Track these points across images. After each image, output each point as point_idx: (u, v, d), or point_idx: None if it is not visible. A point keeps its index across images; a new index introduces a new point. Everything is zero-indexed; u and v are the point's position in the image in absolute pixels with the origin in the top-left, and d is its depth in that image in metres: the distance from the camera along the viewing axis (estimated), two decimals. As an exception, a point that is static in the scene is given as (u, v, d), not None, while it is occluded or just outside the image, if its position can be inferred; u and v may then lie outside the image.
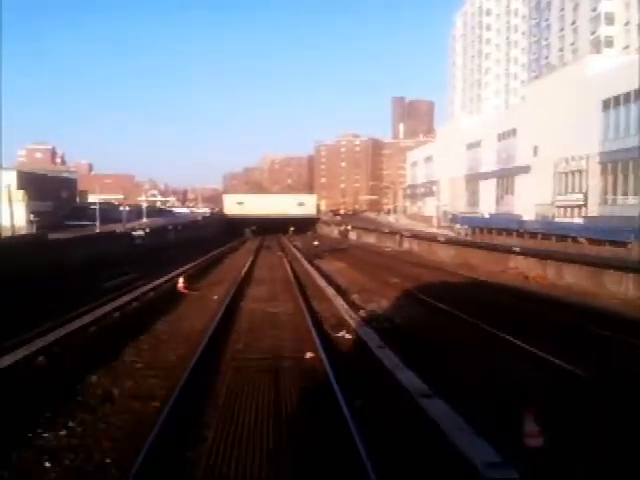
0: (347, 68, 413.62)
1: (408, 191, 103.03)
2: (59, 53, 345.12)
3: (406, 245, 41.10)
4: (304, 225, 79.85)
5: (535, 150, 53.61)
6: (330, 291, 19.00)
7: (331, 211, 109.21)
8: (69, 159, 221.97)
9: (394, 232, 45.31)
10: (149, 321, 14.69)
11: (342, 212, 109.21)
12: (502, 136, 61.92)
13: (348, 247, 45.04)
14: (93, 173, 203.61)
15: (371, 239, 52.70)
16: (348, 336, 12.44)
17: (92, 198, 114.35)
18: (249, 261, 32.46)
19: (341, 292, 19.59)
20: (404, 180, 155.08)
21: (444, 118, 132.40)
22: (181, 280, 20.19)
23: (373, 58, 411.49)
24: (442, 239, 34.75)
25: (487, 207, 62.94)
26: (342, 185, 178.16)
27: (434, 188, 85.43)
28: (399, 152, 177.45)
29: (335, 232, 69.37)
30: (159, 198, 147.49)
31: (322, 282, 21.61)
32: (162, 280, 21.53)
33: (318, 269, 27.63)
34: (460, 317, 15.01)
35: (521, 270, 26.66)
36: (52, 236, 30.29)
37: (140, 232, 35.62)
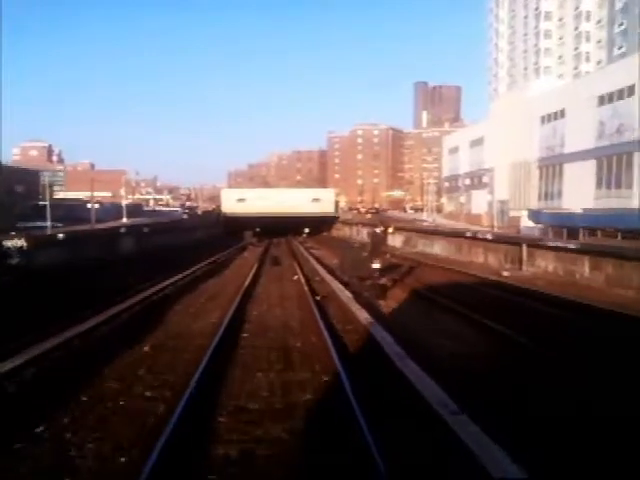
0: (362, 52, 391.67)
1: (446, 184, 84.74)
2: (60, 52, 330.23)
3: (546, 266, 21.94)
4: (320, 226, 63.42)
5: (676, 112, 35.94)
6: None
7: (350, 209, 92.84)
8: (70, 158, 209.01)
9: (507, 240, 25.27)
10: None
11: (363, 210, 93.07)
12: (606, 99, 43.94)
13: (401, 262, 27.19)
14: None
15: (434, 248, 34.32)
16: None
17: (81, 195, 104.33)
18: (232, 310, 14.50)
19: None
20: (429, 174, 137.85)
21: (482, 101, 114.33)
22: None
23: (391, 40, 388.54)
24: None
25: (578, 200, 45.02)
26: (359, 181, 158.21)
27: (485, 178, 67.75)
28: (421, 143, 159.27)
29: (364, 234, 51.61)
30: (153, 196, 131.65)
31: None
32: None
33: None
34: None
35: None
36: None
37: (17, 241, 17.76)
